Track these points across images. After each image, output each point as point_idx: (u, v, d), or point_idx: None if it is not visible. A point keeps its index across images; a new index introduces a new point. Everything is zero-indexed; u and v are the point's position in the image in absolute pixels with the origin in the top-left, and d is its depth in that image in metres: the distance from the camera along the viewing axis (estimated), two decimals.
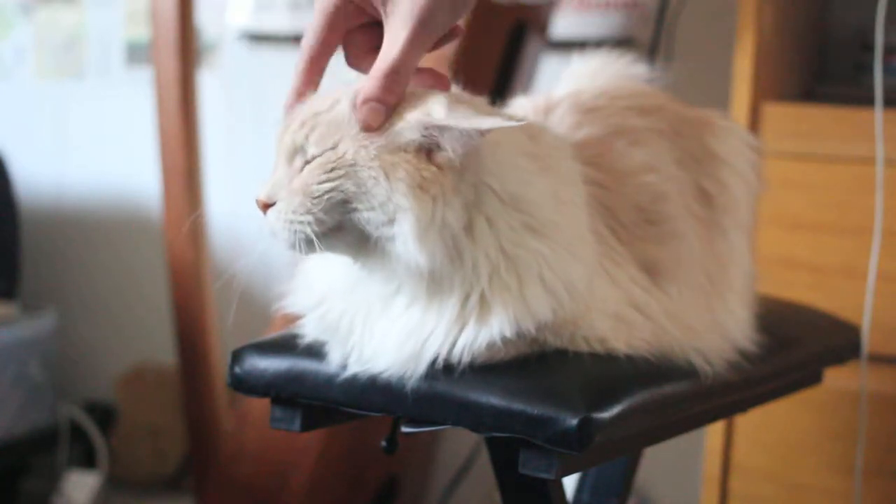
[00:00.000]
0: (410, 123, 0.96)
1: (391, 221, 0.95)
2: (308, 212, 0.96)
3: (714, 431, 1.76)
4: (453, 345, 0.98)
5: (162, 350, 2.53)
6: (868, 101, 1.58)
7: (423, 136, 0.96)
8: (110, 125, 2.70)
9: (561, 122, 1.15)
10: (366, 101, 0.96)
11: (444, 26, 0.99)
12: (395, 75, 0.97)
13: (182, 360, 2.04)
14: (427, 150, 0.96)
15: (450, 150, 0.95)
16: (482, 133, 0.95)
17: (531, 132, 1.03)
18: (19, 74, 2.78)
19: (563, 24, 2.18)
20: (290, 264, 1.11)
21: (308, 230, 0.96)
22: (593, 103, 1.18)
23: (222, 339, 2.05)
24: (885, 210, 1.55)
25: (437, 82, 1.02)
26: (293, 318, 1.09)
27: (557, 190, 1.02)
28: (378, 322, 1.01)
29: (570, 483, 1.30)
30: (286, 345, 1.08)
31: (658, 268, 1.09)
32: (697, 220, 1.15)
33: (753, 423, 1.73)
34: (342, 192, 0.96)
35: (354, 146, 0.96)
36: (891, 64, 1.77)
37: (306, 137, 0.98)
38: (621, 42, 2.13)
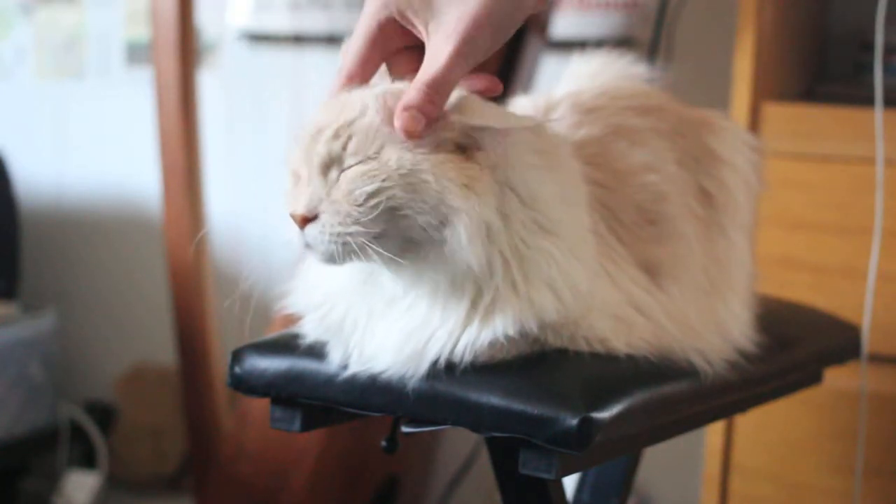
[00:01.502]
0: (452, 125, 0.96)
1: (442, 224, 0.95)
2: (356, 222, 0.95)
3: (714, 431, 1.76)
4: (456, 344, 0.98)
5: (162, 350, 2.53)
6: (868, 100, 1.58)
7: (465, 136, 0.96)
8: (110, 125, 2.70)
9: (561, 122, 1.15)
10: (407, 108, 0.96)
11: (487, 50, 0.99)
12: (437, 86, 0.97)
13: (182, 360, 2.04)
14: (465, 149, 0.97)
15: (489, 149, 0.96)
16: (521, 131, 0.97)
17: (536, 129, 1.03)
18: (19, 74, 2.78)
19: (563, 24, 2.18)
20: (290, 264, 1.11)
21: (355, 241, 0.95)
22: (593, 103, 1.18)
23: (222, 339, 2.05)
24: (885, 210, 1.55)
25: (491, 84, 1.02)
26: (293, 318, 1.09)
27: (563, 188, 1.02)
28: (380, 321, 1.01)
29: (570, 483, 1.30)
30: (286, 345, 1.08)
31: (658, 268, 1.09)
32: (698, 221, 1.15)
33: (753, 423, 1.73)
34: (391, 199, 0.95)
35: (398, 152, 0.96)
36: (891, 64, 1.77)
37: (343, 147, 0.96)
38: (621, 42, 2.13)
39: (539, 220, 0.99)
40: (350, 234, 0.95)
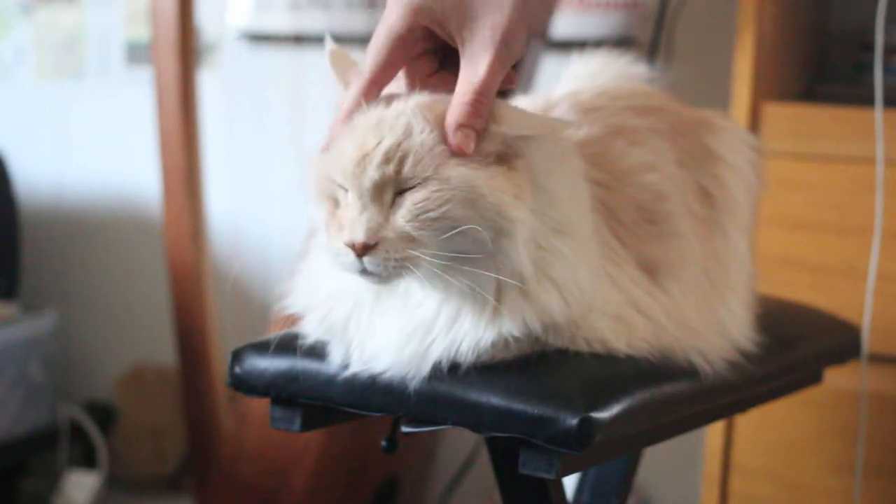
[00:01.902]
0: (495, 137, 0.97)
1: (499, 235, 0.95)
2: (420, 245, 0.95)
3: (714, 431, 1.76)
4: (460, 344, 0.98)
5: (162, 350, 2.53)
6: (868, 101, 1.58)
7: (506, 147, 0.97)
8: (110, 125, 2.70)
9: None
10: (459, 127, 0.96)
11: (519, 53, 1.00)
12: (483, 98, 0.97)
13: (182, 360, 2.04)
14: (507, 159, 0.97)
15: (527, 156, 0.98)
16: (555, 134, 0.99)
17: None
18: (19, 74, 2.78)
19: (563, 24, 2.18)
20: (290, 264, 1.11)
21: (417, 263, 0.95)
22: (593, 103, 1.18)
23: (222, 339, 2.05)
24: (885, 210, 1.55)
25: (507, 79, 1.02)
26: (293, 319, 1.09)
27: (573, 188, 1.02)
28: (381, 320, 1.01)
29: (570, 483, 1.30)
30: (286, 345, 1.08)
31: (658, 267, 1.09)
32: (697, 220, 1.15)
33: (753, 423, 1.73)
34: (454, 219, 0.95)
35: (455, 170, 0.95)
36: (891, 64, 1.77)
37: (397, 171, 0.95)
38: (621, 42, 2.13)
39: (555, 220, 1.00)
40: (414, 257, 0.95)
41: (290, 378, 1.07)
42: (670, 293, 1.09)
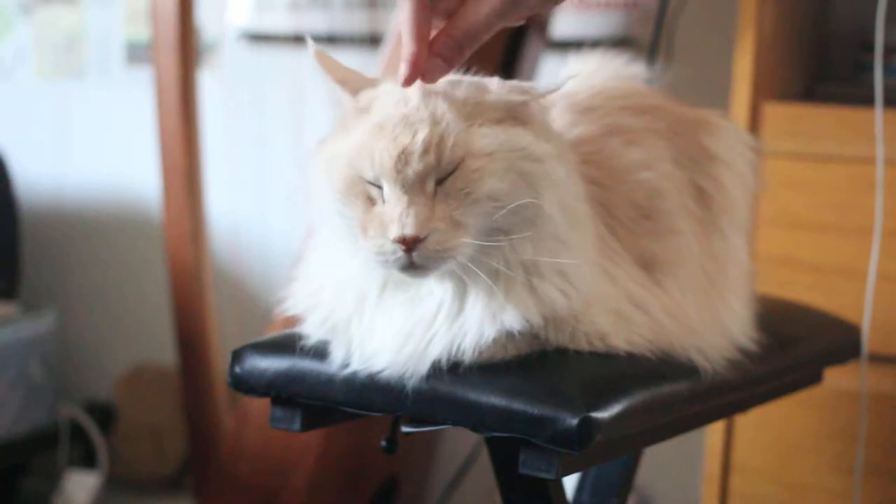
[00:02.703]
0: (496, 105, 0.99)
1: (536, 195, 0.97)
2: (470, 231, 0.96)
3: (714, 431, 1.76)
4: (461, 341, 0.98)
5: (162, 350, 2.53)
6: (868, 100, 1.58)
7: (512, 112, 0.99)
8: (110, 125, 2.69)
9: (556, 122, 1.15)
10: (434, 55, 0.98)
11: (533, 8, 1.00)
12: (466, 39, 0.99)
13: (182, 360, 2.04)
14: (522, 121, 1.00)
15: (535, 121, 1.01)
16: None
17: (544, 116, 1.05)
18: (19, 74, 2.78)
19: (563, 24, 2.18)
20: (290, 266, 1.11)
21: (465, 251, 0.96)
22: (589, 103, 1.18)
23: (222, 339, 2.05)
24: (885, 210, 1.55)
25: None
26: (294, 319, 1.09)
27: (575, 182, 1.03)
28: (383, 318, 1.01)
29: (570, 483, 1.30)
30: (286, 345, 1.08)
31: (656, 264, 1.09)
32: (695, 220, 1.15)
33: (753, 423, 1.73)
34: (499, 192, 0.96)
35: (484, 139, 0.97)
36: (891, 64, 1.77)
37: (438, 160, 0.96)
38: (621, 42, 2.13)
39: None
40: (462, 244, 0.96)
41: (290, 378, 1.07)
42: (668, 290, 1.09)
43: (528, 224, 0.97)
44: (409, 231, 0.94)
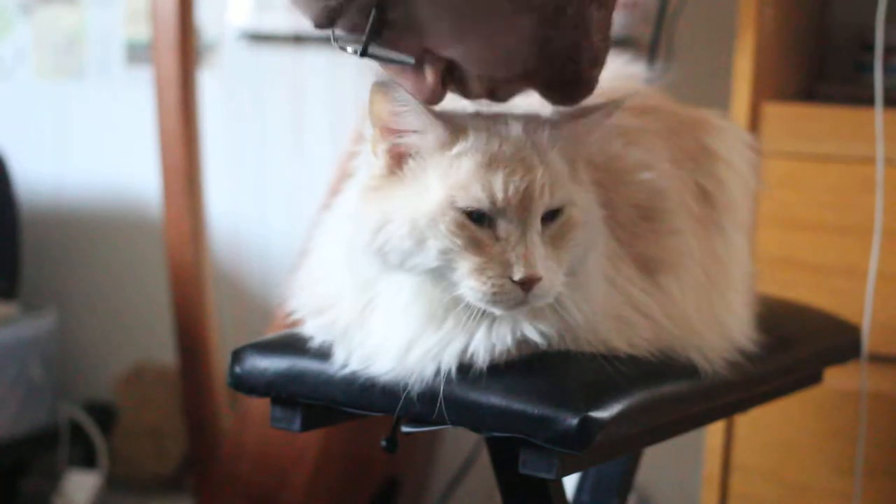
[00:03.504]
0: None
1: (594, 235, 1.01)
2: (566, 271, 0.98)
3: (714, 431, 1.76)
4: (475, 350, 0.99)
5: (162, 350, 2.53)
6: (868, 100, 1.58)
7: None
8: (110, 125, 2.69)
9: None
10: None
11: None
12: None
13: (182, 360, 2.04)
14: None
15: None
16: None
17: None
18: (19, 74, 2.77)
19: None
20: (290, 266, 1.11)
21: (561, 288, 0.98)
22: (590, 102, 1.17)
23: (222, 339, 2.05)
24: (885, 210, 1.55)
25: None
26: (296, 322, 1.09)
27: (591, 201, 1.03)
28: (390, 325, 1.01)
29: (570, 483, 1.30)
30: (286, 345, 1.08)
31: (656, 265, 1.09)
32: (695, 220, 1.15)
33: (753, 423, 1.73)
34: (583, 243, 1.00)
35: (582, 195, 1.00)
36: (891, 64, 1.77)
37: (551, 198, 0.97)
38: (621, 42, 2.13)
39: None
40: (561, 283, 0.97)
41: (290, 378, 1.07)
42: (669, 291, 1.09)
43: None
44: (536, 273, 0.94)
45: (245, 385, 1.10)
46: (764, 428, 1.74)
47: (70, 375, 2.70)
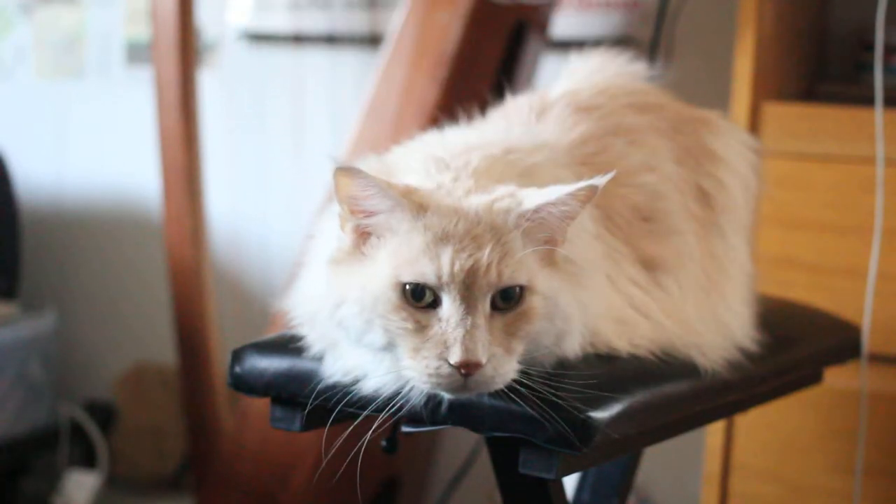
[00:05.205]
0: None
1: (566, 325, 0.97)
2: (516, 358, 0.94)
3: (714, 431, 1.76)
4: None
5: (162, 350, 2.53)
6: (868, 100, 1.58)
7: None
8: (110, 125, 2.69)
9: (558, 121, 1.15)
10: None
11: None
12: None
13: (182, 360, 2.04)
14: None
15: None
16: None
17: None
18: (19, 74, 2.77)
19: (563, 23, 2.18)
20: (289, 268, 1.11)
21: (512, 375, 0.94)
22: (591, 101, 1.17)
23: (222, 339, 2.05)
24: (885, 210, 1.55)
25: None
26: (294, 326, 1.09)
27: (582, 231, 1.03)
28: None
29: (570, 483, 1.30)
30: (286, 345, 1.08)
31: (657, 264, 1.09)
32: (696, 220, 1.15)
33: (753, 423, 1.73)
34: (541, 330, 0.96)
35: (546, 281, 0.95)
36: (891, 64, 1.77)
37: (498, 278, 0.92)
38: (621, 42, 2.13)
39: (579, 274, 1.01)
40: (512, 371, 0.94)
41: (290, 378, 1.07)
42: (669, 291, 1.09)
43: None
44: (474, 357, 0.91)
45: (245, 385, 1.10)
46: (764, 428, 1.74)
47: (70, 375, 2.70)
